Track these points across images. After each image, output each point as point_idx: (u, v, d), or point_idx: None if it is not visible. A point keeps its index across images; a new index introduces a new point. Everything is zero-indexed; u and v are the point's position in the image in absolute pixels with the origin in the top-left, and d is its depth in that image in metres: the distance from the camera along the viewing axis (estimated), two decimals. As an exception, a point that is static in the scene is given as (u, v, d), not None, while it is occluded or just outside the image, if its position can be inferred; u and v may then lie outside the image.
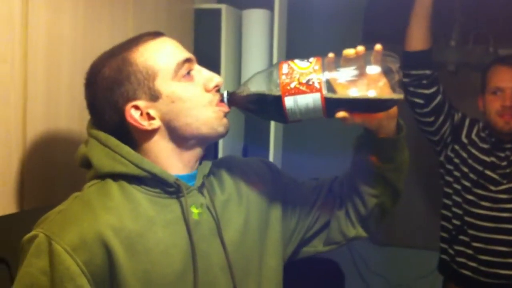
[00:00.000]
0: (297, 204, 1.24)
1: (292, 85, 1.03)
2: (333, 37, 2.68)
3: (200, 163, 1.13)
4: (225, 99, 1.08)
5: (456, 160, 2.06)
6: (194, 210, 1.07)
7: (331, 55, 1.06)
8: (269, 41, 2.24)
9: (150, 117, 1.05)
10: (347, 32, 2.70)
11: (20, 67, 1.24)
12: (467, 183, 2.02)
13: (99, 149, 1.06)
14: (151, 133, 1.07)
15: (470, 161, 2.03)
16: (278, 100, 1.03)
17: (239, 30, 2.27)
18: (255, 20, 2.22)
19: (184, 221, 1.05)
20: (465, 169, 2.03)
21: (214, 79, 1.09)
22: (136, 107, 1.04)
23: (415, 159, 2.78)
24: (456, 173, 2.06)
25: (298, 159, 2.57)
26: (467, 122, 2.09)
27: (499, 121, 1.98)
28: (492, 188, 1.98)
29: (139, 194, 1.05)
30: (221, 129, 1.08)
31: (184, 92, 1.05)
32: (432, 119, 2.07)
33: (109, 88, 1.05)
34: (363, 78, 1.03)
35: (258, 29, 2.22)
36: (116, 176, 1.06)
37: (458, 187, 2.05)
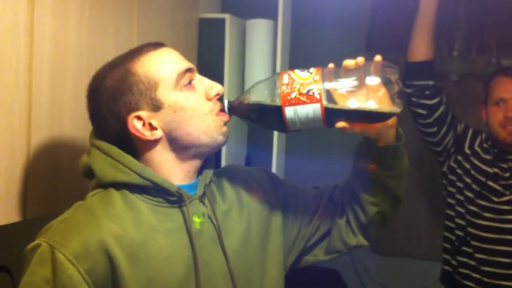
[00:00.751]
0: (298, 213, 1.24)
1: (293, 95, 1.03)
2: (337, 47, 2.68)
3: (200, 173, 1.14)
4: (226, 108, 1.09)
5: (459, 171, 2.06)
6: (196, 219, 1.08)
7: (331, 65, 1.07)
8: (272, 51, 2.25)
9: (152, 127, 1.06)
10: (350, 43, 2.70)
11: (25, 75, 1.25)
12: (470, 194, 2.02)
13: (102, 158, 1.07)
14: (153, 143, 1.07)
15: (473, 172, 2.03)
16: (278, 110, 1.04)
17: (242, 40, 2.28)
18: (259, 30, 2.23)
19: (186, 230, 1.06)
20: (468, 180, 2.03)
21: (215, 87, 1.09)
22: (139, 118, 1.05)
23: (417, 169, 2.81)
24: (459, 184, 2.05)
25: (301, 166, 2.57)
26: (470, 132, 2.09)
27: (501, 132, 1.98)
28: (495, 199, 1.98)
29: (141, 203, 1.05)
30: (220, 138, 1.09)
31: (185, 101, 1.06)
32: (435, 129, 2.07)
33: (111, 99, 1.05)
34: (362, 89, 1.04)
35: (261, 39, 2.23)
36: (119, 185, 1.06)
37: (461, 198, 2.04)
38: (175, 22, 1.89)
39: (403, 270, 2.97)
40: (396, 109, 1.04)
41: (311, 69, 1.06)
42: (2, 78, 1.19)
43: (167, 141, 1.07)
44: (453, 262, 2.06)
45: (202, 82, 1.10)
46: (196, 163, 1.11)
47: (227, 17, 2.16)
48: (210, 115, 1.08)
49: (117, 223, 1.02)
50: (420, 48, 2.05)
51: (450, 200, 2.09)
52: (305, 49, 2.60)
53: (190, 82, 1.08)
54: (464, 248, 2.03)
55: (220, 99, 1.11)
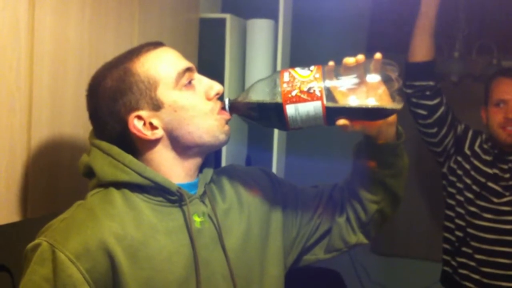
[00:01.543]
0: (298, 212, 1.24)
1: (293, 93, 1.03)
2: (337, 47, 2.69)
3: (200, 171, 1.14)
4: (227, 107, 1.09)
5: (459, 172, 2.06)
6: (196, 219, 1.08)
7: (331, 63, 1.07)
8: (273, 50, 2.25)
9: (153, 127, 1.06)
10: (351, 43, 2.70)
11: (25, 75, 1.24)
12: (470, 195, 2.02)
13: (102, 158, 1.07)
14: (154, 142, 1.07)
15: (473, 172, 2.03)
16: (279, 108, 1.04)
17: (243, 40, 2.28)
18: (260, 30, 2.23)
19: (187, 229, 1.06)
20: (468, 181, 2.03)
21: (215, 87, 1.10)
22: (139, 117, 1.05)
23: (417, 170, 2.81)
24: (459, 185, 2.05)
25: (301, 165, 2.57)
26: (470, 133, 2.09)
27: (501, 133, 1.98)
28: (495, 200, 1.98)
29: (142, 203, 1.05)
30: (222, 136, 1.09)
31: (186, 101, 1.06)
32: (435, 130, 2.07)
33: (111, 99, 1.05)
34: (363, 86, 1.04)
35: (262, 38, 2.23)
36: (119, 185, 1.06)
37: (461, 198, 2.04)
38: (175, 22, 1.89)
39: (403, 270, 2.97)
40: (396, 106, 1.05)
41: (312, 67, 1.06)
42: (2, 78, 1.19)
43: (168, 140, 1.08)
44: (453, 263, 2.06)
45: (202, 82, 1.10)
46: (197, 162, 1.11)
47: (227, 17, 2.16)
48: (212, 114, 1.08)
49: (118, 222, 1.02)
50: (421, 49, 2.05)
51: (450, 201, 2.09)
52: (306, 49, 2.60)
53: (190, 82, 1.08)
54: (464, 249, 2.03)
55: (220, 98, 1.11)
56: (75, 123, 1.39)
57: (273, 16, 2.23)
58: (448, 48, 2.64)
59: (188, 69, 1.08)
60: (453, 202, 2.08)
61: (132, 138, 1.07)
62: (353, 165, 1.22)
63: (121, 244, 1.00)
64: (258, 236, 1.16)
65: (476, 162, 2.04)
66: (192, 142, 1.07)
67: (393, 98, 1.04)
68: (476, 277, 1.99)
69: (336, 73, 1.05)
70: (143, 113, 1.05)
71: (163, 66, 1.06)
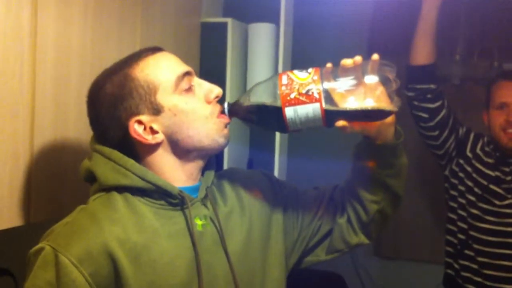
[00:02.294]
0: (299, 214, 1.25)
1: (292, 96, 1.04)
2: (339, 50, 2.68)
3: (202, 175, 1.14)
4: (226, 110, 1.10)
5: (461, 174, 2.06)
6: (198, 222, 1.08)
7: (329, 65, 1.08)
8: (274, 54, 2.25)
9: (153, 131, 1.07)
10: (352, 47, 2.70)
11: (28, 81, 1.25)
12: (471, 198, 2.02)
13: (104, 162, 1.07)
14: (155, 146, 1.08)
15: (474, 175, 2.03)
16: (278, 111, 1.05)
17: (245, 44, 2.28)
18: (261, 34, 2.24)
19: (189, 232, 1.06)
20: (470, 184, 2.03)
21: (214, 90, 1.10)
22: (140, 122, 1.06)
23: (419, 173, 2.81)
24: (461, 187, 2.06)
25: (303, 167, 2.57)
26: (471, 136, 2.09)
27: (503, 136, 1.98)
28: (497, 202, 1.98)
29: (144, 206, 1.06)
30: (221, 140, 1.10)
31: (185, 105, 1.07)
32: (436, 133, 2.08)
33: (112, 104, 1.06)
34: (361, 88, 1.05)
35: (263, 42, 2.24)
36: (121, 189, 1.07)
37: (463, 201, 2.04)
38: (177, 27, 1.90)
39: (405, 273, 2.97)
40: (394, 107, 1.06)
41: (310, 70, 1.07)
42: (5, 83, 1.19)
43: (169, 144, 1.08)
44: (455, 265, 2.06)
45: (201, 85, 1.11)
46: (198, 165, 1.12)
47: (229, 21, 2.17)
48: (211, 117, 1.09)
49: (120, 226, 1.02)
50: (422, 52, 2.05)
51: (452, 204, 2.09)
52: (307, 53, 2.60)
53: (189, 86, 1.09)
54: (466, 252, 2.03)
55: (220, 101, 1.12)
56: (78, 128, 1.40)
57: (275, 20, 2.24)
58: (449, 51, 2.64)
59: (187, 73, 1.09)
60: (455, 205, 2.08)
61: (133, 143, 1.08)
62: (352, 166, 1.23)
63: (123, 248, 1.00)
64: (260, 239, 1.17)
65: (478, 165, 2.04)
66: (192, 146, 1.08)
67: (391, 98, 1.05)
68: (479, 279, 1.99)
69: (334, 75, 1.06)
70: (143, 117, 1.06)
71: (162, 71, 1.07)
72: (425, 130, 2.09)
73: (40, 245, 1.01)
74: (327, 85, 1.05)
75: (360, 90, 1.04)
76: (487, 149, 2.05)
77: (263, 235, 1.18)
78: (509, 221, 1.96)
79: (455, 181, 2.08)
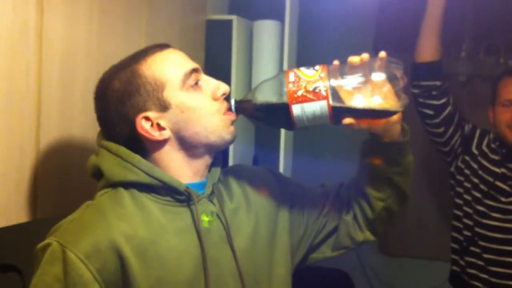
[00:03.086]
0: (305, 211, 1.25)
1: (299, 93, 1.04)
2: (344, 47, 2.69)
3: (209, 171, 1.15)
4: (233, 108, 1.10)
5: (467, 171, 2.06)
6: (205, 218, 1.09)
7: (336, 62, 1.08)
8: (279, 51, 2.25)
9: (160, 128, 1.07)
10: (357, 44, 2.70)
11: (34, 79, 1.26)
12: (477, 194, 2.02)
13: (111, 158, 1.08)
14: (162, 143, 1.08)
15: (480, 172, 2.03)
16: (285, 108, 1.05)
17: (250, 41, 2.29)
18: (266, 31, 2.24)
19: (195, 229, 1.07)
20: (476, 180, 2.03)
21: (221, 87, 1.11)
22: (147, 118, 1.06)
23: (426, 170, 2.81)
24: (467, 184, 2.05)
25: (308, 164, 2.57)
26: (477, 133, 2.09)
27: (509, 133, 1.98)
28: (503, 199, 1.97)
29: (150, 202, 1.06)
30: (228, 137, 1.10)
31: (192, 102, 1.07)
32: (442, 130, 2.07)
33: (119, 101, 1.07)
34: (368, 85, 1.05)
35: (268, 39, 2.24)
36: (128, 185, 1.07)
37: (469, 198, 2.04)
38: (183, 24, 1.90)
39: (411, 271, 2.96)
40: (401, 106, 1.06)
41: (317, 67, 1.07)
42: (12, 81, 1.20)
43: (176, 140, 1.09)
44: (461, 262, 2.06)
45: (208, 82, 1.11)
46: (205, 161, 1.12)
47: (234, 18, 2.17)
48: (218, 114, 1.09)
49: (127, 222, 1.03)
50: (428, 49, 2.05)
51: (457, 201, 2.09)
52: (312, 50, 2.60)
53: (196, 83, 1.09)
54: (472, 248, 2.02)
55: (227, 98, 1.12)
56: (84, 126, 1.40)
57: (280, 17, 2.24)
58: (455, 48, 2.64)
59: (195, 70, 1.09)
60: (461, 202, 2.07)
61: (140, 139, 1.08)
62: (359, 163, 1.23)
63: (130, 244, 1.01)
64: (266, 235, 1.17)
65: (484, 162, 2.03)
66: (198, 142, 1.08)
67: (398, 96, 1.05)
68: (485, 276, 1.99)
69: (341, 72, 1.06)
70: (150, 114, 1.06)
71: (169, 67, 1.07)
72: (431, 127, 2.09)
73: (47, 240, 1.02)
74: (334, 82, 1.05)
75: (368, 88, 1.05)
76: (493, 146, 2.05)
77: (269, 232, 1.18)
78: (515, 218, 1.96)
79: (461, 178, 2.07)
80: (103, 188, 1.09)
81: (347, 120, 1.06)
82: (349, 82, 1.05)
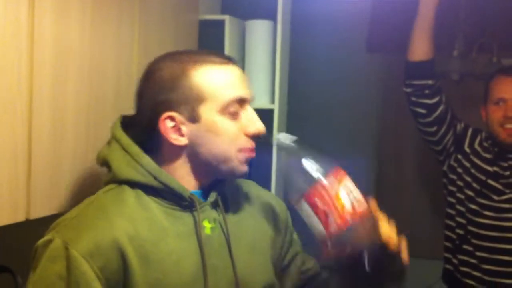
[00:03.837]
0: (282, 269, 1.25)
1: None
2: (337, 48, 2.69)
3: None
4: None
5: (459, 170, 2.07)
6: (207, 225, 1.09)
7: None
8: (272, 51, 2.25)
9: (180, 133, 1.06)
10: (350, 43, 2.71)
11: (26, 77, 1.25)
12: (470, 193, 2.03)
13: (120, 155, 1.07)
14: (176, 147, 1.08)
15: (473, 170, 2.03)
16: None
17: (242, 41, 2.29)
18: (258, 31, 2.24)
19: (196, 234, 1.07)
20: (468, 179, 2.04)
21: (257, 125, 1.08)
22: (172, 118, 1.05)
23: (419, 169, 2.81)
24: (459, 183, 2.06)
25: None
26: (469, 132, 2.10)
27: (501, 132, 1.98)
28: (495, 197, 1.98)
29: (154, 204, 1.06)
30: (238, 173, 1.10)
31: (222, 127, 1.06)
32: (434, 129, 2.08)
33: (159, 88, 1.06)
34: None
35: (261, 39, 2.24)
36: (134, 184, 1.07)
37: (461, 196, 2.05)
38: (175, 24, 1.90)
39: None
40: None
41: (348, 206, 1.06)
42: (3, 81, 1.20)
43: (189, 151, 1.08)
44: (454, 260, 2.07)
45: (248, 116, 1.09)
46: (210, 178, 1.12)
47: (226, 18, 2.17)
48: (238, 151, 1.07)
49: (130, 222, 1.02)
50: (420, 48, 2.06)
51: (450, 199, 2.10)
52: (305, 49, 2.60)
53: (237, 112, 1.07)
54: (465, 247, 2.03)
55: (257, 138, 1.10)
56: (77, 124, 1.40)
57: (272, 17, 2.24)
58: (448, 47, 2.64)
59: (242, 100, 1.07)
60: (453, 200, 2.08)
61: (157, 135, 1.07)
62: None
63: (132, 244, 1.01)
64: (263, 255, 1.18)
65: (476, 160, 2.04)
66: (209, 163, 1.08)
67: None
68: (477, 274, 2.00)
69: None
70: (177, 116, 1.05)
71: (218, 86, 1.05)
72: (423, 126, 2.10)
73: (48, 237, 1.01)
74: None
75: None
76: (485, 144, 2.05)
77: (264, 250, 1.19)
78: (508, 216, 1.96)
79: (454, 177, 2.08)
80: (109, 183, 1.09)
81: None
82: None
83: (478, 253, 2.00)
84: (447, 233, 2.11)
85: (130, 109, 1.32)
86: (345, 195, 1.05)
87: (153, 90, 1.07)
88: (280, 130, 2.23)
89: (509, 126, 1.96)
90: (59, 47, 1.34)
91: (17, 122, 1.24)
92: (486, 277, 1.98)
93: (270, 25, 2.25)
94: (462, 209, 2.05)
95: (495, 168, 2.01)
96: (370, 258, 1.04)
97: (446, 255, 2.12)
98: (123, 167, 1.06)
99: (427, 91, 2.05)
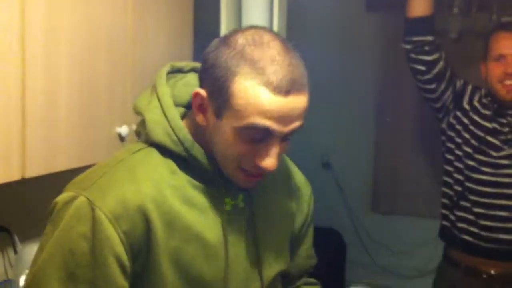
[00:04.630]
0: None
1: None
2: (336, 8, 2.66)
3: None
4: None
5: (458, 127, 2.06)
6: (230, 202, 1.06)
7: None
8: (269, 19, 2.21)
9: (203, 112, 1.00)
10: (350, 3, 2.67)
11: (18, 35, 1.24)
12: (468, 149, 2.02)
13: (158, 117, 1.03)
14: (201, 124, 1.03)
15: (471, 127, 2.03)
16: None
17: (239, 11, 2.24)
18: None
19: (219, 209, 1.05)
20: (467, 135, 2.03)
21: (266, 161, 0.98)
22: (203, 98, 0.99)
23: (418, 127, 2.81)
24: (458, 140, 2.06)
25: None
26: (469, 89, 2.08)
27: (500, 88, 1.97)
28: (494, 154, 1.98)
29: (182, 174, 1.03)
30: (236, 182, 1.05)
31: (231, 142, 0.98)
32: (433, 86, 2.07)
33: (209, 64, 0.98)
34: None
35: (258, 8, 2.19)
36: (164, 150, 1.03)
37: (460, 153, 2.05)
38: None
39: (402, 228, 3.00)
40: None
41: None
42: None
43: (208, 135, 1.03)
44: (451, 217, 2.08)
45: (268, 146, 0.98)
46: None
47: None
48: (238, 169, 1.01)
49: (157, 188, 1.00)
50: (419, 4, 2.03)
51: (448, 156, 2.10)
52: (304, 10, 2.56)
53: (254, 139, 0.98)
54: (462, 203, 2.04)
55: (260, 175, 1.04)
56: (71, 81, 1.38)
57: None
58: (447, 4, 2.61)
59: (269, 132, 0.95)
60: (451, 157, 2.08)
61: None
62: None
63: (159, 210, 0.98)
64: (283, 236, 1.18)
65: (475, 117, 2.03)
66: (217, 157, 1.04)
67: None
68: (474, 230, 2.01)
69: None
70: (206, 101, 0.99)
71: (254, 105, 0.94)
72: (423, 83, 2.08)
73: (71, 193, 0.97)
74: None
75: None
76: (484, 101, 2.04)
77: (286, 232, 1.19)
78: (505, 172, 1.96)
79: (452, 134, 2.07)
80: (141, 142, 1.05)
81: None
82: None
83: (475, 209, 2.01)
84: (445, 190, 2.11)
85: (125, 65, 1.30)
86: None
87: (208, 58, 0.99)
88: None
89: (508, 82, 1.95)
90: (51, 8, 1.31)
91: (10, 80, 1.22)
92: (483, 233, 1.99)
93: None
94: (460, 165, 2.05)
95: (494, 125, 2.00)
96: None
97: (444, 211, 2.13)
98: (158, 131, 1.02)
99: (426, 48, 2.03)
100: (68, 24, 1.37)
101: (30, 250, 1.54)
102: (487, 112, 2.02)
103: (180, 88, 1.09)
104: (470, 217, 2.02)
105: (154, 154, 1.03)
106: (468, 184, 2.02)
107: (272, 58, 0.94)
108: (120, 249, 0.95)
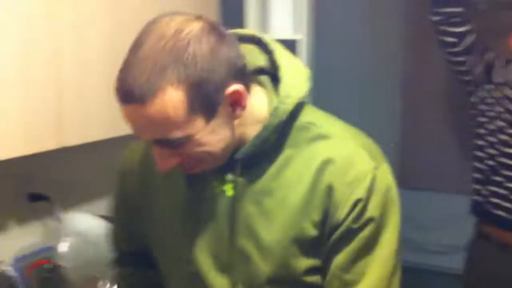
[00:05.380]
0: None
1: None
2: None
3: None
4: None
5: (489, 100, 2.02)
6: (217, 185, 1.00)
7: None
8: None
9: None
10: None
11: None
12: (501, 123, 1.98)
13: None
14: None
15: (504, 100, 1.99)
16: None
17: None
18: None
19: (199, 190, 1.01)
20: (500, 109, 1.99)
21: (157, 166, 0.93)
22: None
23: (446, 102, 2.76)
24: (490, 113, 2.01)
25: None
26: (500, 61, 2.04)
27: (530, 60, 1.93)
28: (527, 128, 1.94)
29: None
30: None
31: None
32: (463, 58, 2.03)
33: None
34: None
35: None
36: None
37: (492, 127, 2.01)
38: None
39: (431, 204, 2.97)
40: None
41: None
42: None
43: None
44: (484, 191, 2.05)
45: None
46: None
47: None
48: None
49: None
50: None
51: (479, 130, 2.06)
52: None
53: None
54: (495, 178, 2.00)
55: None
56: (101, 50, 1.38)
57: None
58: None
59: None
60: (483, 131, 2.04)
61: None
62: None
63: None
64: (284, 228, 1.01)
65: (507, 90, 1.99)
66: None
67: None
68: (507, 205, 1.98)
69: None
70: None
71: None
72: (452, 56, 2.04)
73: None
74: None
75: None
76: (516, 73, 2.00)
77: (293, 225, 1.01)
78: (540, 146, 1.93)
79: (484, 107, 2.03)
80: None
81: None
82: None
83: (508, 184, 1.97)
84: (476, 164, 2.08)
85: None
86: None
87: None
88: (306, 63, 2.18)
89: None
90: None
91: (44, 52, 1.22)
92: (516, 208, 1.96)
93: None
94: (493, 139, 2.01)
95: (527, 98, 1.96)
96: None
97: (475, 186, 2.09)
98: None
99: (456, 19, 1.99)
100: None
101: (69, 218, 1.56)
102: (520, 85, 1.98)
103: None
104: (503, 192, 1.98)
105: None
106: (501, 159, 1.98)
107: (126, 58, 0.85)
108: None
